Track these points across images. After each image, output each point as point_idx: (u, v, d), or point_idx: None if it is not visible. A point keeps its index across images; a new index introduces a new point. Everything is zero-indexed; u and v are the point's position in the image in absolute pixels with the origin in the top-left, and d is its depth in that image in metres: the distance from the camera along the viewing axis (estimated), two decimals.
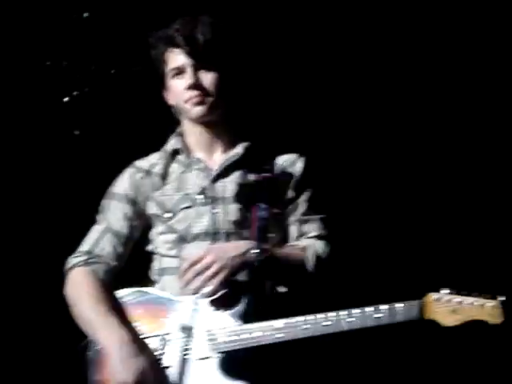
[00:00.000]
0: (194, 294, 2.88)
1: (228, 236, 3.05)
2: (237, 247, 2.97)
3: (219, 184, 3.12)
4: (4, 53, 3.86)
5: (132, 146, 3.37)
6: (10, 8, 3.81)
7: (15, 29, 3.96)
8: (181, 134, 3.23)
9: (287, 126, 4.10)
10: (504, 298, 2.64)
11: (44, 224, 4.18)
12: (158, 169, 3.23)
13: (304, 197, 3.13)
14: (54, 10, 3.81)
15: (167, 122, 3.23)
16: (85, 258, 3.14)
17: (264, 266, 2.92)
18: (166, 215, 3.15)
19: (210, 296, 2.87)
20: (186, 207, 3.11)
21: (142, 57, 3.18)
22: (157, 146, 3.17)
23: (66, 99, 3.02)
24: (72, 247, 3.13)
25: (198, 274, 2.89)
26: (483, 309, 2.66)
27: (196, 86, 3.09)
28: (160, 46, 3.15)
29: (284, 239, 3.12)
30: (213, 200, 3.10)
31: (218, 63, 3.10)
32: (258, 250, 2.90)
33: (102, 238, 3.20)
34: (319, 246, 3.05)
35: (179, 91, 3.13)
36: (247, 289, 2.91)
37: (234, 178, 3.12)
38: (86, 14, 3.61)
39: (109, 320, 2.91)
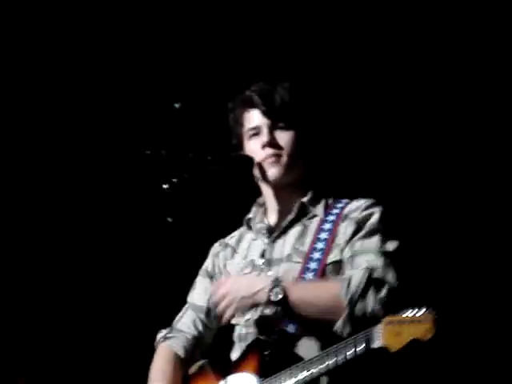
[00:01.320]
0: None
1: None
2: (250, 286, 2.97)
3: (277, 246, 3.18)
4: (108, 146, 4.04)
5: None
6: (111, 102, 3.99)
7: (116, 122, 4.13)
8: (258, 203, 3.29)
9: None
10: (434, 312, 2.60)
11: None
12: (232, 240, 3.30)
13: (361, 233, 3.04)
14: (150, 102, 3.97)
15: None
16: (165, 333, 3.26)
17: (281, 306, 2.92)
18: None
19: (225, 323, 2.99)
20: (247, 274, 3.18)
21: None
22: None
23: (165, 186, 3.10)
24: None
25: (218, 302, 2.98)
26: (420, 325, 2.60)
27: (271, 144, 3.17)
28: (238, 108, 3.24)
29: None
30: (270, 262, 3.14)
31: (295, 124, 3.17)
32: (272, 291, 2.92)
33: (185, 313, 3.32)
34: (356, 275, 2.91)
35: (255, 151, 3.18)
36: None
37: (291, 236, 3.16)
38: (177, 105, 3.73)
39: None
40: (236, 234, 3.38)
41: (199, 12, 4.44)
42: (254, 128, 3.23)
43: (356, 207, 3.12)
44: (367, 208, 3.10)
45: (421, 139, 4.39)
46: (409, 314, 2.65)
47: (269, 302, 2.93)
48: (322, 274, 3.04)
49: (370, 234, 3.03)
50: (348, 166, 4.35)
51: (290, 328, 2.99)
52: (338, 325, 2.87)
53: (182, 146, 3.15)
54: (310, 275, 3.03)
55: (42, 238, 4.52)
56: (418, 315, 2.63)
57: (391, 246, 3.02)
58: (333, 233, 3.07)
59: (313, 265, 3.04)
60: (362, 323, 2.81)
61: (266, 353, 2.96)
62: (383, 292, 2.88)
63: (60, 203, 4.49)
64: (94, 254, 4.28)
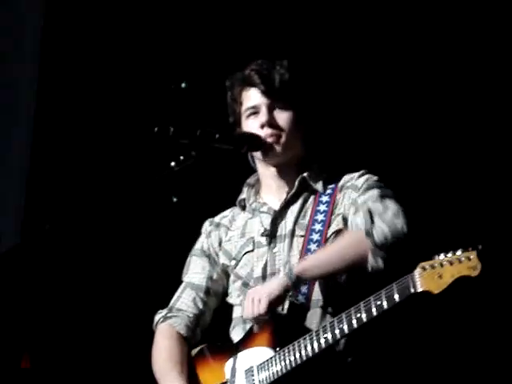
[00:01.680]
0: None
1: None
2: (271, 286, 2.98)
3: (279, 222, 3.19)
4: (116, 122, 4.04)
5: None
6: (120, 80, 3.99)
7: (125, 99, 4.13)
8: (249, 184, 3.29)
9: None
10: (480, 247, 2.61)
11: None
12: (225, 220, 3.30)
13: (361, 190, 3.09)
14: (157, 81, 3.97)
15: None
16: (165, 313, 3.25)
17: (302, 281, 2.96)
18: (232, 263, 3.23)
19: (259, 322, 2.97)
20: (248, 251, 3.19)
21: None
22: None
23: (172, 164, 3.09)
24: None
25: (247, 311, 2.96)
26: (462, 264, 2.62)
27: (270, 124, 3.16)
28: (236, 87, 3.23)
29: None
30: (273, 239, 3.15)
31: (293, 103, 3.18)
32: (286, 276, 2.95)
33: (183, 292, 3.30)
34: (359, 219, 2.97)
35: (254, 130, 3.18)
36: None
37: (292, 212, 3.18)
38: (183, 84, 3.74)
39: (172, 375, 3.10)
40: (227, 213, 3.38)
41: None
42: (252, 107, 3.23)
43: (350, 177, 3.17)
44: (362, 174, 3.16)
45: (419, 120, 4.40)
46: (444, 256, 2.67)
47: (292, 286, 2.96)
48: (325, 243, 3.08)
49: (367, 189, 3.08)
50: (345, 143, 4.36)
51: (300, 298, 3.03)
52: (370, 260, 2.92)
53: (190, 123, 3.16)
54: (313, 246, 3.07)
55: (42, 216, 4.52)
56: (457, 255, 2.64)
57: (390, 192, 3.08)
58: (331, 204, 3.11)
59: (315, 236, 3.07)
60: (391, 248, 2.88)
61: (278, 325, 2.97)
62: (390, 209, 2.95)
63: (64, 177, 4.49)
64: (95, 233, 4.28)
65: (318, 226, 3.08)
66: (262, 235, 3.20)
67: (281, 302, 2.99)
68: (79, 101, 4.49)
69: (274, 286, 2.96)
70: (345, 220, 3.09)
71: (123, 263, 4.67)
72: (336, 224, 3.10)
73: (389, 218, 2.94)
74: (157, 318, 3.32)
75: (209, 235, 3.35)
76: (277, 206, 3.22)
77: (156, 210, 4.24)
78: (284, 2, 4.41)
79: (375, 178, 3.15)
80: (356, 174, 3.18)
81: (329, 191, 3.16)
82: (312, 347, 2.86)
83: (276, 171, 3.24)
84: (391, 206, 2.99)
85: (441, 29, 4.33)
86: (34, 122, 4.60)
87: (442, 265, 2.66)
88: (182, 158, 3.10)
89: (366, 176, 3.15)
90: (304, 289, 3.03)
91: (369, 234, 2.92)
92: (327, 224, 3.08)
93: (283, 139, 3.17)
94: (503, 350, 4.07)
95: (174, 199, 3.22)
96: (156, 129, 3.09)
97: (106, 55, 4.41)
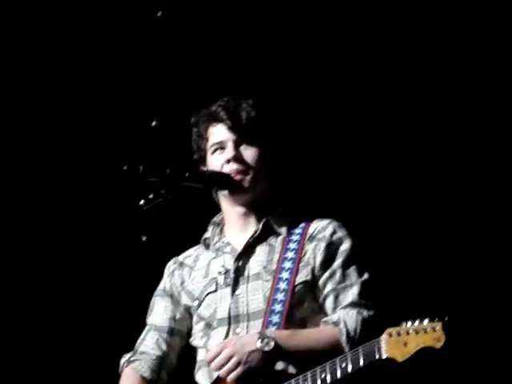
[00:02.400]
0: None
1: (249, 320, 3.07)
2: (250, 342, 2.94)
3: (242, 263, 3.18)
4: (85, 160, 4.02)
5: None
6: (90, 118, 3.98)
7: (94, 138, 4.11)
8: (215, 223, 3.28)
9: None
10: (446, 318, 2.64)
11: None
12: (189, 260, 3.28)
13: (338, 263, 3.11)
14: (127, 119, 3.97)
15: None
16: (128, 356, 3.23)
17: (273, 356, 2.93)
18: (195, 303, 3.22)
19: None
20: (211, 292, 3.18)
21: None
22: None
23: (141, 202, 3.09)
24: None
25: (221, 366, 2.93)
26: (427, 334, 2.65)
27: (236, 159, 3.17)
28: (202, 123, 3.25)
29: (318, 309, 3.10)
30: (236, 280, 3.14)
31: (259, 141, 3.18)
32: (262, 342, 2.92)
33: (146, 335, 3.28)
34: (350, 320, 2.98)
35: (219, 166, 3.18)
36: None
37: (257, 255, 3.17)
38: (154, 123, 3.73)
39: None
40: (191, 252, 3.37)
41: (168, 31, 4.45)
42: (218, 142, 3.23)
43: (322, 227, 3.17)
44: (335, 231, 3.16)
45: (383, 157, 4.42)
46: (411, 324, 2.69)
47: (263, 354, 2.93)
48: (292, 293, 3.06)
49: (346, 265, 3.11)
50: (308, 185, 4.37)
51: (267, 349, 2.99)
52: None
53: (160, 162, 3.15)
54: (280, 296, 3.05)
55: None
56: (423, 325, 2.65)
57: (366, 274, 3.12)
58: (299, 252, 3.11)
59: (282, 285, 3.06)
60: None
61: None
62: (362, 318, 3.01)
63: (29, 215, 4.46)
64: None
65: (285, 275, 3.07)
66: (221, 274, 3.19)
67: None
68: (44, 133, 4.46)
69: (256, 357, 2.94)
70: (313, 272, 3.11)
71: (91, 303, 4.62)
72: (305, 274, 3.10)
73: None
74: (122, 361, 3.31)
75: (172, 274, 3.34)
76: (240, 247, 3.22)
77: (125, 248, 4.21)
78: (249, 39, 4.42)
79: (349, 240, 3.17)
80: (328, 225, 3.18)
81: (296, 237, 3.16)
82: None
83: (241, 211, 3.23)
84: (372, 313, 3.04)
85: (427, 35, 4.35)
86: None
87: (408, 333, 2.68)
88: (151, 196, 3.10)
89: (340, 234, 3.16)
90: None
91: (353, 345, 2.93)
92: (294, 272, 3.09)
93: (250, 175, 3.19)
94: None
95: (144, 238, 3.19)
96: (125, 167, 3.08)
97: (73, 89, 4.39)
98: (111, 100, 4.43)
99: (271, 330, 2.97)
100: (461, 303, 4.05)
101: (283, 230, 3.19)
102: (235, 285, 3.15)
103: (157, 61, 4.43)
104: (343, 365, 2.77)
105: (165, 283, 3.35)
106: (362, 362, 2.74)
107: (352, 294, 3.05)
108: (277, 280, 3.07)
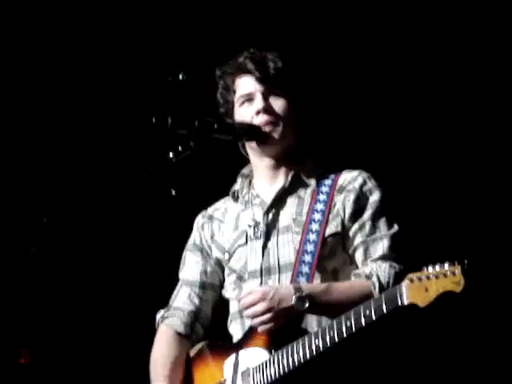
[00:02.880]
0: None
1: (280, 272, 3.08)
2: (287, 298, 2.93)
3: (272, 216, 3.17)
4: (114, 112, 4.02)
5: None
6: (118, 70, 3.98)
7: (123, 90, 4.11)
8: (244, 175, 3.27)
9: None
10: (465, 262, 2.61)
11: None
12: (218, 213, 3.28)
13: (367, 215, 3.11)
14: (156, 71, 3.96)
15: None
16: (162, 313, 3.25)
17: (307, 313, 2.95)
18: (226, 256, 3.22)
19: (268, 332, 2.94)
20: (241, 245, 3.17)
21: None
22: None
23: (171, 155, 3.08)
24: None
25: (255, 316, 2.95)
26: (447, 278, 2.62)
27: (266, 110, 3.13)
28: (228, 75, 3.20)
29: (349, 260, 3.11)
30: (266, 233, 3.13)
31: (288, 91, 3.15)
32: (297, 302, 2.92)
33: (179, 290, 3.30)
34: (382, 273, 2.98)
35: (248, 118, 3.15)
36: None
37: (286, 207, 3.16)
38: (181, 76, 3.72)
39: (158, 379, 3.17)
40: (220, 205, 3.36)
41: None
42: (247, 94, 3.20)
43: (352, 178, 3.15)
44: (365, 183, 3.14)
45: (412, 116, 4.40)
46: (432, 268, 2.67)
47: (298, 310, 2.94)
48: (322, 245, 3.06)
49: (376, 217, 3.09)
50: (338, 138, 4.35)
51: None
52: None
53: (188, 114, 3.14)
54: (310, 247, 3.04)
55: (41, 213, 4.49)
56: (443, 269, 2.64)
57: (396, 226, 3.10)
58: (328, 204, 3.09)
59: (312, 236, 3.05)
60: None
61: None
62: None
63: (61, 170, 4.48)
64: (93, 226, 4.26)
65: (315, 226, 3.06)
66: (251, 227, 3.18)
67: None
68: (76, 92, 4.47)
69: (291, 314, 2.94)
70: (343, 224, 3.10)
71: (122, 258, 4.66)
72: (335, 225, 3.09)
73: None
74: (157, 318, 3.34)
75: (201, 228, 3.34)
76: (269, 199, 3.21)
77: (155, 202, 4.22)
78: None
79: (379, 191, 3.15)
80: (357, 176, 3.16)
81: (326, 189, 3.13)
82: (304, 353, 2.86)
83: (270, 162, 3.22)
84: (402, 266, 3.03)
85: (440, 28, 4.32)
86: None
87: (428, 278, 2.67)
88: (180, 148, 3.09)
89: (369, 185, 3.15)
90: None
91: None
92: (324, 223, 3.08)
93: (280, 127, 3.16)
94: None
95: (173, 192, 3.19)
96: (154, 119, 3.07)
97: (101, 46, 4.39)
98: (139, 53, 4.42)
99: (307, 286, 2.97)
100: (480, 246, 4.04)
101: (312, 182, 3.17)
102: (266, 237, 3.14)
103: (181, 14, 4.41)
104: (367, 312, 2.76)
105: (194, 237, 3.35)
106: (384, 309, 2.73)
107: (383, 246, 3.05)
108: (306, 231, 3.06)
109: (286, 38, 4.23)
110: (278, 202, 3.19)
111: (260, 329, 2.95)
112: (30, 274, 4.40)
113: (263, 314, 2.92)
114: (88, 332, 4.76)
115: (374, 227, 3.07)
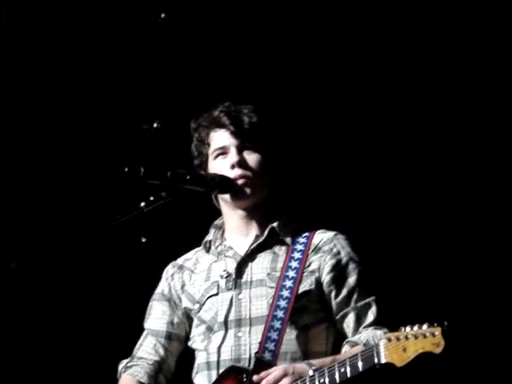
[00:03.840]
0: None
1: (251, 324, 3.07)
2: (304, 372, 2.93)
3: (245, 268, 3.17)
4: (86, 162, 4.00)
5: None
6: (92, 119, 3.96)
7: (95, 139, 4.10)
8: (216, 226, 3.28)
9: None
10: (445, 323, 2.62)
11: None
12: (188, 263, 3.28)
13: (352, 281, 3.14)
14: (128, 121, 3.97)
15: None
16: (125, 362, 3.23)
17: None
18: (196, 306, 3.21)
19: None
20: (212, 295, 3.17)
21: None
22: None
23: (142, 204, 3.08)
24: None
25: None
26: (426, 339, 2.63)
27: (240, 164, 3.16)
28: (203, 128, 3.23)
29: (322, 318, 3.11)
30: (237, 285, 3.14)
31: (262, 146, 3.18)
32: (313, 372, 2.89)
33: (144, 340, 3.28)
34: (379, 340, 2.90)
35: (222, 171, 3.17)
36: None
37: (260, 261, 3.17)
38: (155, 125, 3.73)
39: None
40: (191, 256, 3.36)
41: (169, 34, 4.46)
42: (221, 147, 3.23)
43: (328, 239, 3.18)
44: (343, 247, 3.18)
45: (382, 165, 4.42)
46: (410, 329, 2.68)
47: None
48: (294, 301, 3.07)
49: (362, 282, 3.13)
50: (309, 192, 4.36)
51: (267, 355, 3.01)
52: None
53: (161, 164, 3.15)
54: (283, 303, 3.05)
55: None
56: (422, 329, 2.64)
57: (377, 290, 3.16)
58: (303, 262, 3.11)
59: (286, 293, 3.06)
60: None
61: (244, 380, 2.95)
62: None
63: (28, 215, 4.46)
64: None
65: (288, 283, 3.08)
66: (223, 278, 3.18)
67: None
68: (43, 134, 4.45)
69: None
70: (317, 283, 3.12)
71: (88, 305, 4.60)
72: (309, 284, 3.11)
73: None
74: (119, 367, 3.31)
75: (171, 278, 3.33)
76: (242, 252, 3.21)
77: (125, 250, 4.20)
78: (248, 44, 4.42)
79: (357, 258, 3.18)
80: (331, 237, 3.19)
81: (300, 247, 3.15)
82: None
83: (243, 214, 3.23)
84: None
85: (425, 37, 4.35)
86: None
87: (407, 338, 2.66)
88: (152, 198, 3.09)
89: (347, 250, 3.18)
90: (271, 345, 3.02)
91: None
92: (298, 281, 3.09)
93: (253, 181, 3.18)
94: None
95: (143, 240, 3.19)
96: (126, 169, 3.08)
97: (76, 89, 4.38)
98: (113, 101, 4.42)
99: (316, 361, 2.98)
100: (459, 308, 4.05)
101: (288, 240, 3.20)
102: (237, 289, 3.15)
103: (158, 63, 4.42)
104: (342, 369, 2.77)
105: (163, 287, 3.34)
106: (360, 367, 2.73)
107: (372, 312, 3.09)
108: (280, 287, 3.08)
109: (261, 90, 4.24)
110: (252, 254, 3.20)
111: None
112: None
113: None
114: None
115: (361, 293, 3.11)
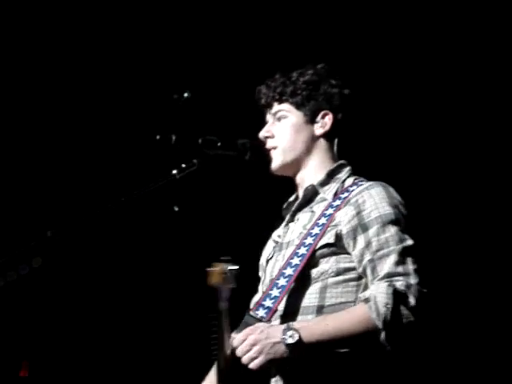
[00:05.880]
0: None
1: (271, 285, 2.99)
2: (275, 332, 2.83)
3: (288, 230, 3.20)
4: (118, 130, 4.04)
5: None
6: (123, 87, 3.99)
7: (127, 107, 4.14)
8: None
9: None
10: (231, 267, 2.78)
11: None
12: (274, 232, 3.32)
13: (373, 230, 2.94)
14: (160, 89, 3.99)
15: None
16: None
17: (297, 349, 2.81)
18: (261, 272, 3.27)
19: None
20: (269, 259, 3.22)
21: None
22: None
23: (174, 172, 3.10)
24: None
25: (244, 352, 2.84)
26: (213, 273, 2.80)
27: (267, 135, 3.23)
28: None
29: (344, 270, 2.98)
30: (281, 247, 3.17)
31: (294, 106, 3.20)
32: (285, 334, 2.81)
33: None
34: (380, 294, 2.80)
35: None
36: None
37: (299, 221, 3.16)
38: (186, 94, 3.74)
39: None
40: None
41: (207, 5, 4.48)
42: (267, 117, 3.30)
43: (359, 190, 3.03)
44: (371, 195, 3.00)
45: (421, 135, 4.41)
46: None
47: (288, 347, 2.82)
48: (308, 258, 2.97)
49: (383, 231, 2.93)
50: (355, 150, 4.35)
51: (261, 312, 2.97)
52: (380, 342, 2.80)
53: (192, 131, 3.17)
54: (297, 260, 2.97)
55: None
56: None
57: (409, 239, 2.93)
58: (330, 218, 3.01)
59: (302, 250, 2.99)
60: (403, 334, 2.79)
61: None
62: (412, 301, 2.79)
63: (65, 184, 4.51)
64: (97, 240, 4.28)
65: (309, 240, 3.00)
66: (275, 242, 3.23)
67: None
68: (83, 108, 4.50)
69: (279, 348, 2.82)
70: (337, 236, 2.99)
71: (124, 272, 4.67)
72: (328, 237, 2.99)
73: (410, 308, 2.80)
74: None
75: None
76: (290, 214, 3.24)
77: (157, 218, 4.24)
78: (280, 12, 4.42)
79: (387, 206, 2.97)
80: (364, 188, 3.03)
81: (337, 202, 3.04)
82: None
83: (293, 178, 3.25)
84: (412, 287, 2.83)
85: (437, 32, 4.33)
86: None
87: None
88: (183, 165, 3.11)
89: (376, 199, 2.98)
90: (269, 303, 2.96)
91: (386, 324, 2.79)
92: (319, 238, 2.99)
93: (279, 150, 3.20)
94: None
95: (176, 208, 3.20)
96: (158, 137, 3.10)
97: (108, 62, 4.42)
98: (145, 70, 4.45)
99: (298, 321, 2.89)
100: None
101: (329, 196, 3.12)
102: (280, 251, 3.17)
103: (190, 33, 4.44)
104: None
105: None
106: None
107: (388, 263, 2.85)
108: (299, 245, 3.01)
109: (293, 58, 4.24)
110: (294, 216, 3.21)
111: (250, 365, 2.83)
112: (32, 288, 4.42)
113: (250, 349, 2.83)
114: (88, 345, 4.76)
115: (381, 243, 2.90)
